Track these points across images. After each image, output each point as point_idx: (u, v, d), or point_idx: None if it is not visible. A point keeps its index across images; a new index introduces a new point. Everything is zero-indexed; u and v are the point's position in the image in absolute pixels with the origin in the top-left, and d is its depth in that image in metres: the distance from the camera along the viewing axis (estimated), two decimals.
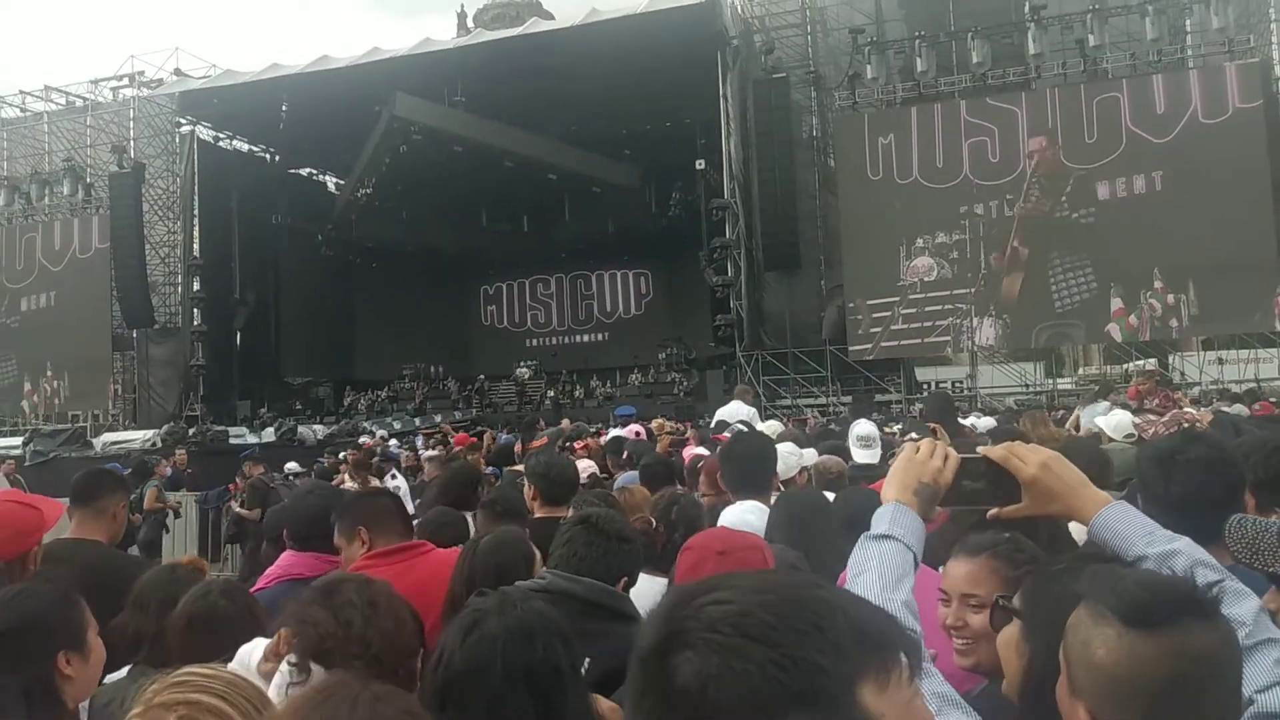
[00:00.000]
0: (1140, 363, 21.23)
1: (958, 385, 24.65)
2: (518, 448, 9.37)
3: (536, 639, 1.75)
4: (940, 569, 2.14)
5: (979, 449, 1.74)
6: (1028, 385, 24.02)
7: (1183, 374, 21.95)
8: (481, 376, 31.90)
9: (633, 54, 22.73)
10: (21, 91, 29.11)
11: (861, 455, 5.43)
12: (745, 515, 3.13)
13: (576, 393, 29.75)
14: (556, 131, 27.78)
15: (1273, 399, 12.14)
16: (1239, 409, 10.37)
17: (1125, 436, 5.35)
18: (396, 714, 1.24)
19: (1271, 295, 20.00)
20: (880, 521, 1.58)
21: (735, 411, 7.10)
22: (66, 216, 28.01)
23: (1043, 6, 21.36)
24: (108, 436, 20.95)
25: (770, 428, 7.93)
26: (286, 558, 3.10)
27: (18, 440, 20.33)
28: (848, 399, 22.26)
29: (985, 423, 8.66)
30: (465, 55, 24.75)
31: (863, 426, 5.81)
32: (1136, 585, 1.29)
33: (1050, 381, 24.95)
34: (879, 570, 1.51)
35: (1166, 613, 1.23)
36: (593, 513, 2.73)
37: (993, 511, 1.70)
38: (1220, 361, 22.07)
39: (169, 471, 11.20)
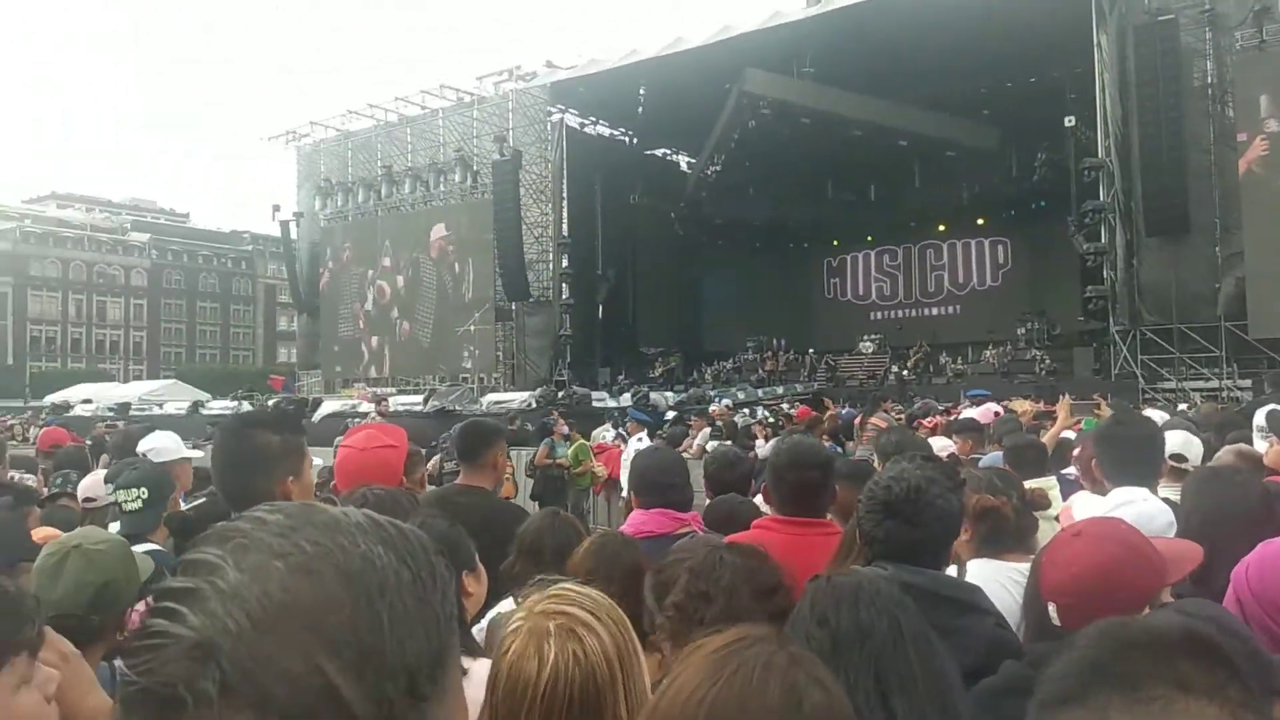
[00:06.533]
0: None
1: None
2: (857, 421, 9.16)
3: (909, 607, 1.75)
4: None
5: None
6: None
7: None
8: (812, 350, 31.50)
9: (992, 9, 21.30)
10: (422, 91, 33.04)
11: (1262, 447, 4.70)
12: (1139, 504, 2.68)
13: (926, 369, 28.68)
14: (909, 96, 26.82)
15: None
16: None
17: None
18: (807, 679, 1.23)
19: None
20: None
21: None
22: (458, 202, 31.55)
23: None
24: (492, 396, 23.77)
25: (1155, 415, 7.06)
26: (636, 515, 3.29)
27: (418, 398, 23.64)
28: (1246, 383, 19.42)
29: None
30: (814, 25, 24.51)
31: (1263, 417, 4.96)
32: None
33: None
34: None
35: None
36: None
37: None
38: None
39: (565, 430, 12.17)
